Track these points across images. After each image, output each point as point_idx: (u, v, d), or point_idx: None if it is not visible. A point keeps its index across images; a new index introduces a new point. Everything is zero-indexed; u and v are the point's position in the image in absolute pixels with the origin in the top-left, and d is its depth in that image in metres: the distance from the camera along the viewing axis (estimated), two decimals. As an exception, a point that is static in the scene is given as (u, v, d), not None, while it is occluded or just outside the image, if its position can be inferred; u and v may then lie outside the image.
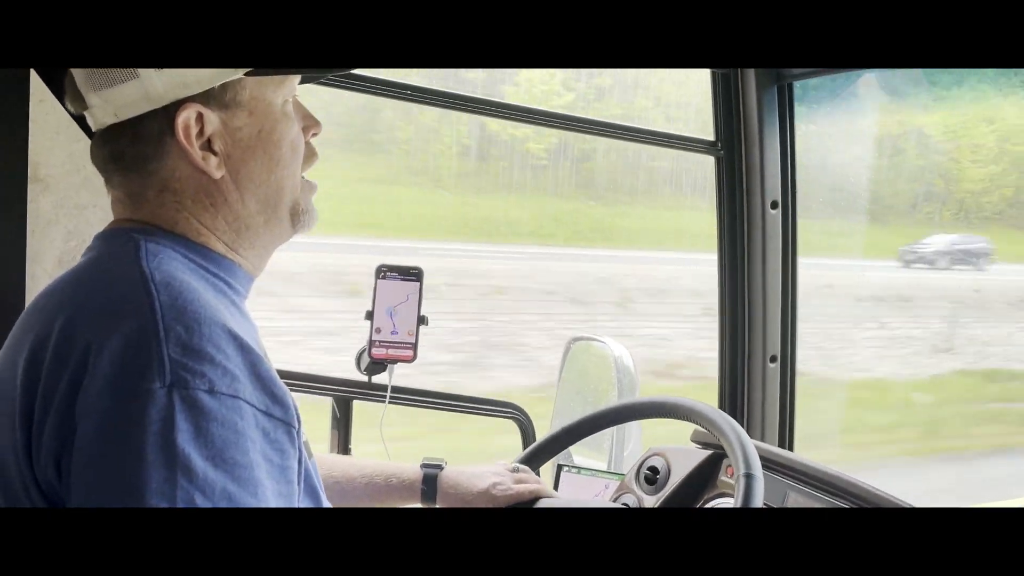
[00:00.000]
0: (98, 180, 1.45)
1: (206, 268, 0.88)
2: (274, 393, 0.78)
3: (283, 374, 1.66)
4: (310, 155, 0.98)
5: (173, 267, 0.82)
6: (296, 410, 0.81)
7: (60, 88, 1.38)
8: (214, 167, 0.88)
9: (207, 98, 0.86)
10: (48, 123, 1.38)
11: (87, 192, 1.40)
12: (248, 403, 0.75)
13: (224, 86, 0.87)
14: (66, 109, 0.94)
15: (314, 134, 0.98)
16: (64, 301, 0.80)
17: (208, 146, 0.88)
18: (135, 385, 0.71)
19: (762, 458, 1.23)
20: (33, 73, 1.34)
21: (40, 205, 1.39)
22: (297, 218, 0.96)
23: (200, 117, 0.86)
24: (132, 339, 0.73)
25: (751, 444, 1.22)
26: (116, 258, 0.83)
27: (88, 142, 1.40)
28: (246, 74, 0.88)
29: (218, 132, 0.88)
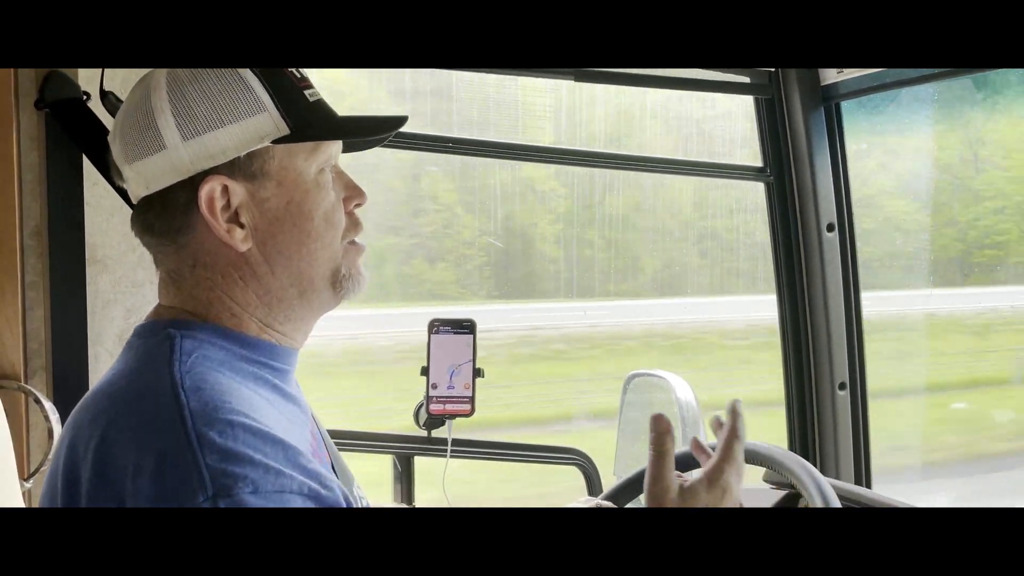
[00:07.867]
0: (150, 257, 1.49)
1: (243, 355, 0.86)
2: (323, 484, 0.76)
3: (343, 435, 1.68)
4: (352, 225, 0.93)
5: (205, 366, 0.81)
6: (346, 496, 0.79)
7: (105, 167, 1.41)
8: (239, 240, 0.86)
9: (232, 169, 0.85)
10: (103, 206, 1.41)
11: (143, 270, 1.43)
12: (297, 493, 0.74)
13: (251, 156, 0.85)
14: (111, 185, 0.94)
15: (357, 205, 0.94)
16: (99, 415, 0.79)
17: (236, 218, 0.86)
18: (179, 503, 0.70)
19: (840, 497, 1.18)
20: (85, 158, 1.38)
21: (99, 286, 1.42)
22: (339, 284, 0.91)
23: (226, 189, 0.85)
24: (168, 455, 0.72)
25: (826, 482, 1.17)
26: (149, 364, 0.82)
27: (142, 221, 1.43)
28: (273, 143, 0.85)
29: (244, 204, 0.86)
